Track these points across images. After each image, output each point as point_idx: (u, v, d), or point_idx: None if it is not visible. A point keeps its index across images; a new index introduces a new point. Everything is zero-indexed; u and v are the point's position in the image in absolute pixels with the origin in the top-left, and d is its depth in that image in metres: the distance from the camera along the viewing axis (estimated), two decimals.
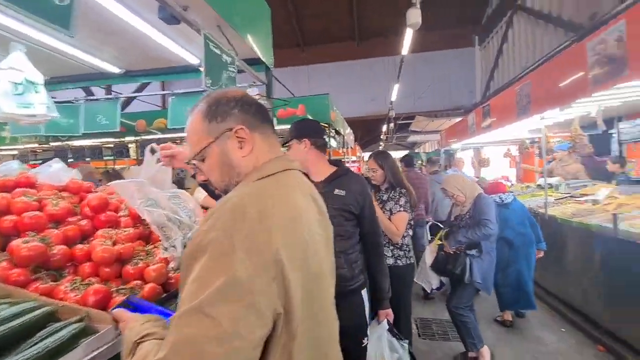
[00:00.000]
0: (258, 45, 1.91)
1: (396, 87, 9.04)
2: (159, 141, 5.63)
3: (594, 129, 5.67)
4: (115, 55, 2.10)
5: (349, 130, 6.72)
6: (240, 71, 2.11)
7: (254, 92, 2.09)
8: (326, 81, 13.63)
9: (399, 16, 5.26)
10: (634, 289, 2.59)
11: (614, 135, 5.81)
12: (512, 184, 6.88)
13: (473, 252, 2.44)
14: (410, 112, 11.81)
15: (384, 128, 13.76)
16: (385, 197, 2.31)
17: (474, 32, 12.14)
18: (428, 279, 2.98)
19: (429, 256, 2.96)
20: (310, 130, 1.64)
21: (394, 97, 9.93)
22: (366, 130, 16.23)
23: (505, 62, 9.97)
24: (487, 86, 11.18)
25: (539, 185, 5.35)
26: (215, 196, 1.70)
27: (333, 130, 5.31)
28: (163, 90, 11.20)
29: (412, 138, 14.79)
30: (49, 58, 2.15)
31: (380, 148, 18.07)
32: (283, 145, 1.66)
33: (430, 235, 4.15)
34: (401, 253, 2.27)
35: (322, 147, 1.66)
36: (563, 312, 3.41)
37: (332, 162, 1.70)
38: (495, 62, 10.57)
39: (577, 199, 3.95)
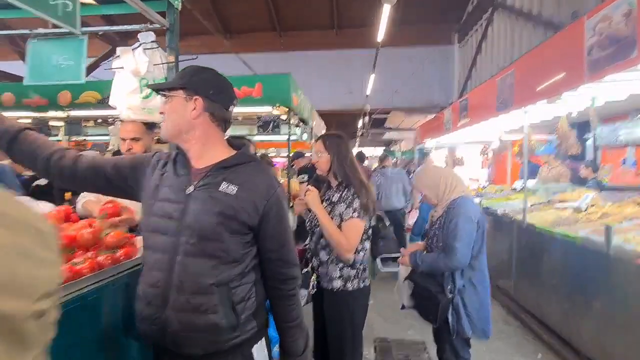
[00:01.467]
0: None
1: (372, 77, 8.57)
2: (90, 119, 4.64)
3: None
4: None
5: (316, 122, 6.12)
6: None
7: (148, 39, 1.47)
8: (302, 70, 12.95)
9: (379, 6, 4.74)
10: (623, 315, 2.20)
11: (589, 139, 5.61)
12: (484, 186, 6.58)
13: (448, 289, 1.83)
14: (386, 107, 11.43)
15: (360, 123, 13.34)
16: (335, 198, 1.75)
17: (454, 29, 11.91)
18: (401, 295, 2.40)
19: (404, 270, 2.39)
20: (212, 88, 1.03)
21: (369, 90, 9.47)
22: (342, 125, 15.74)
23: (483, 60, 9.76)
24: (464, 85, 10.98)
25: (513, 188, 5.03)
26: None
27: (297, 118, 4.69)
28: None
29: (388, 135, 14.46)
30: None
31: (357, 144, 17.66)
32: (157, 91, 1.06)
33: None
34: (352, 273, 1.70)
35: (222, 121, 1.06)
36: (538, 332, 3.03)
37: (234, 145, 1.11)
38: (473, 60, 10.35)
39: (556, 205, 3.59)
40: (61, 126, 4.99)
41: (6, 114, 4.19)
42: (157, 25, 1.48)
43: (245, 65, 6.35)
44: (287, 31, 13.20)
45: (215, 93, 1.03)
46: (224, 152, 1.06)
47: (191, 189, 0.99)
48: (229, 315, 0.95)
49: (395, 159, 10.94)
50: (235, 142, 1.12)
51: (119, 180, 1.08)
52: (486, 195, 5.06)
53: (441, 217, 1.98)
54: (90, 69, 6.74)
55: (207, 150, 1.04)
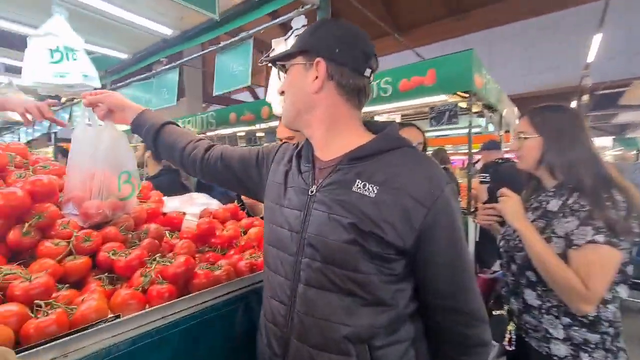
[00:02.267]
0: None
1: (597, 40, 6.25)
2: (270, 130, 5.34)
3: None
4: (162, 12, 1.76)
5: (507, 109, 4.88)
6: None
7: (299, 24, 1.34)
8: (485, 51, 11.10)
9: None
10: None
11: None
12: None
13: None
14: (622, 78, 8.16)
15: (573, 104, 10.12)
16: (553, 206, 1.09)
17: None
18: None
19: None
20: (337, 44, 0.71)
21: (592, 58, 6.96)
22: None
23: None
24: None
25: None
26: None
27: (480, 105, 3.83)
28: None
29: (622, 117, 10.36)
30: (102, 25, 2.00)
31: None
32: (274, 62, 0.82)
33: None
34: (594, 338, 0.99)
35: (354, 91, 0.72)
36: None
37: (371, 127, 0.77)
38: None
39: None
40: (262, 136, 6.11)
41: (230, 130, 5.36)
42: (308, 6, 1.35)
43: (420, 58, 5.87)
44: (466, 11, 11.64)
45: (342, 51, 0.70)
46: (360, 137, 0.73)
47: (313, 189, 0.72)
48: None
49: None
50: (377, 125, 0.77)
51: (244, 175, 0.91)
52: None
53: None
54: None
55: (335, 136, 0.74)
